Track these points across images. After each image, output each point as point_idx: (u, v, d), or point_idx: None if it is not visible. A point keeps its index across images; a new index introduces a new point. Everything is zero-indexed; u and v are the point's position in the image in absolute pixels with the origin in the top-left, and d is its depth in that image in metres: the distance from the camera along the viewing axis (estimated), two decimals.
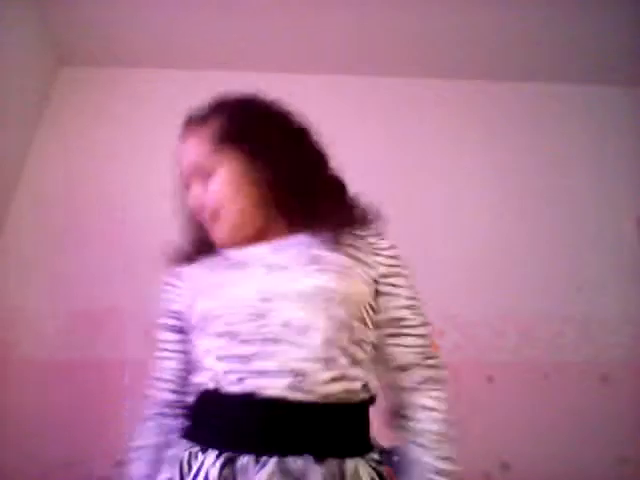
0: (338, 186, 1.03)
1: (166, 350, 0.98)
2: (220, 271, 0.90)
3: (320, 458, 0.74)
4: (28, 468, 1.81)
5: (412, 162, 2.47)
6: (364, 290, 0.87)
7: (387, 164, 2.45)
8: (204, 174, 0.92)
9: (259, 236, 0.91)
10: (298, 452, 0.74)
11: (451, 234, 2.33)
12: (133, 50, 2.47)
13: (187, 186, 0.96)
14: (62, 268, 2.13)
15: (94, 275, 2.12)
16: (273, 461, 0.73)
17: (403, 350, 0.91)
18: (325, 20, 2.33)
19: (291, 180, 0.91)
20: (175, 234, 2.14)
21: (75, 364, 1.98)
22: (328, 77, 2.58)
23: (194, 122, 1.00)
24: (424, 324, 0.95)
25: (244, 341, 0.80)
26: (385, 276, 0.93)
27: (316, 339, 0.78)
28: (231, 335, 0.81)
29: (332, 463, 0.75)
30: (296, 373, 0.76)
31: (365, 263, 0.90)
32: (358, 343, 0.84)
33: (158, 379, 0.97)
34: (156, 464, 0.89)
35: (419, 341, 0.93)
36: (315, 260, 0.84)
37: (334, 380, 0.78)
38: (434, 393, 0.91)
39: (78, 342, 2.02)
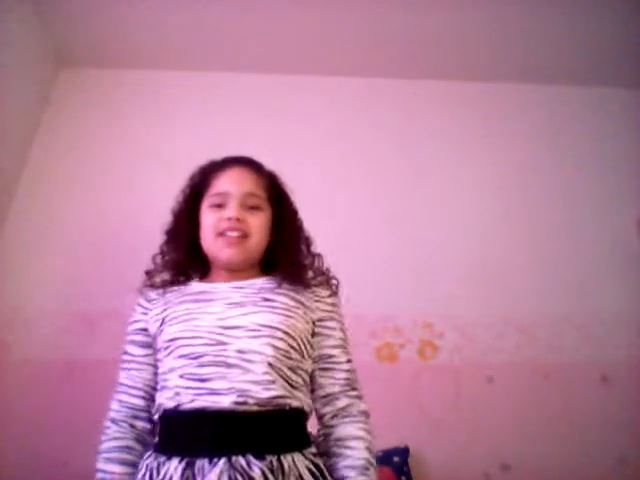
0: (307, 251, 1.22)
1: (135, 362, 1.11)
2: (188, 302, 1.07)
3: (260, 455, 0.91)
4: (27, 468, 1.81)
5: (412, 163, 2.48)
6: (303, 327, 1.06)
7: (387, 165, 2.46)
8: (249, 206, 1.12)
9: (242, 271, 1.12)
10: (243, 452, 0.90)
11: (451, 235, 2.33)
12: (133, 52, 2.47)
13: (222, 205, 1.12)
14: (61, 269, 2.13)
15: (93, 276, 2.12)
16: (223, 461, 0.89)
17: (331, 381, 1.08)
18: (326, 22, 2.34)
19: (283, 244, 1.16)
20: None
21: (74, 365, 1.98)
22: (328, 78, 2.59)
23: (254, 166, 1.24)
24: (350, 361, 1.12)
25: (203, 364, 0.97)
26: (322, 320, 1.11)
27: (260, 365, 0.97)
28: (193, 357, 0.98)
29: (271, 458, 0.91)
30: (242, 392, 0.94)
31: (307, 307, 1.09)
32: (295, 370, 1.02)
33: (129, 386, 1.09)
34: (127, 465, 1.02)
35: (345, 375, 1.09)
36: (266, 301, 1.05)
37: (273, 398, 0.96)
38: (359, 424, 1.06)
39: (77, 343, 2.01)
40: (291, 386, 1.00)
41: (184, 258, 1.18)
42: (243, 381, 0.95)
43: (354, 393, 1.10)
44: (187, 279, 1.18)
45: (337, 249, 2.24)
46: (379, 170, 2.44)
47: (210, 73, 2.57)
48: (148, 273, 1.22)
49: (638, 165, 2.52)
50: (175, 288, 1.14)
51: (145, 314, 1.14)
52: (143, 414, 1.07)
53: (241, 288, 1.08)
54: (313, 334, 1.09)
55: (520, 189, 2.45)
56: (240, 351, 0.98)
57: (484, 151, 2.52)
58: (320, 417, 1.08)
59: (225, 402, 0.93)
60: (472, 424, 1.99)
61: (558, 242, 2.34)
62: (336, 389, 1.07)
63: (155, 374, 1.07)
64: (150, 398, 1.07)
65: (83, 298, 2.09)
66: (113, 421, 1.07)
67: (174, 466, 0.91)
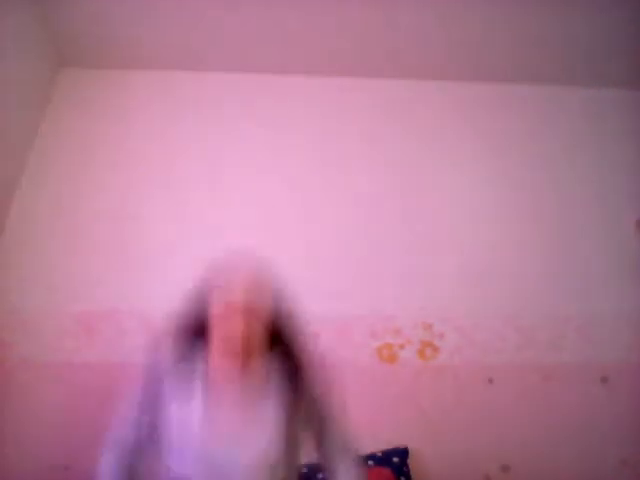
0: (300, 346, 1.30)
1: (141, 398, 1.21)
2: (189, 409, 1.17)
3: None
4: (26, 470, 1.81)
5: (412, 166, 2.47)
6: (299, 412, 1.21)
7: (388, 168, 2.46)
8: (252, 315, 1.20)
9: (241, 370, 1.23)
10: None
11: (452, 236, 2.33)
12: (133, 52, 2.47)
13: (228, 315, 1.19)
14: (61, 269, 2.13)
15: (93, 277, 2.12)
16: None
17: (327, 441, 1.25)
18: (326, 23, 2.34)
19: (279, 344, 1.27)
20: (174, 236, 2.13)
21: (74, 365, 1.98)
22: (328, 79, 2.59)
23: (256, 276, 1.26)
24: (340, 418, 1.28)
25: (212, 464, 1.11)
26: (312, 396, 1.25)
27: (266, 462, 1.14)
28: (202, 458, 1.12)
29: None
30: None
31: (299, 396, 1.23)
32: (294, 454, 1.20)
33: (130, 420, 1.20)
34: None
35: (339, 434, 1.27)
36: (264, 423, 1.18)
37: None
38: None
39: (77, 343, 2.01)
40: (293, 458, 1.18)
41: (191, 348, 1.26)
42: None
43: (347, 452, 1.26)
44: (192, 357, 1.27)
45: (337, 250, 2.26)
46: (379, 173, 2.44)
47: (210, 73, 2.57)
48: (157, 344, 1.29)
49: (638, 166, 2.52)
50: (182, 369, 1.22)
51: (163, 369, 1.22)
52: (138, 447, 1.20)
53: (240, 399, 1.20)
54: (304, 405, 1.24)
55: (520, 190, 2.45)
56: (249, 455, 1.13)
57: (484, 153, 2.51)
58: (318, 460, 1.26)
59: None
60: (472, 425, 1.99)
61: (558, 243, 2.34)
62: (330, 449, 1.25)
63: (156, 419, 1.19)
64: (147, 441, 1.19)
65: (82, 299, 2.08)
66: (115, 443, 1.19)
67: None
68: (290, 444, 1.18)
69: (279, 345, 1.26)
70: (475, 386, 2.07)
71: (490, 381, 2.09)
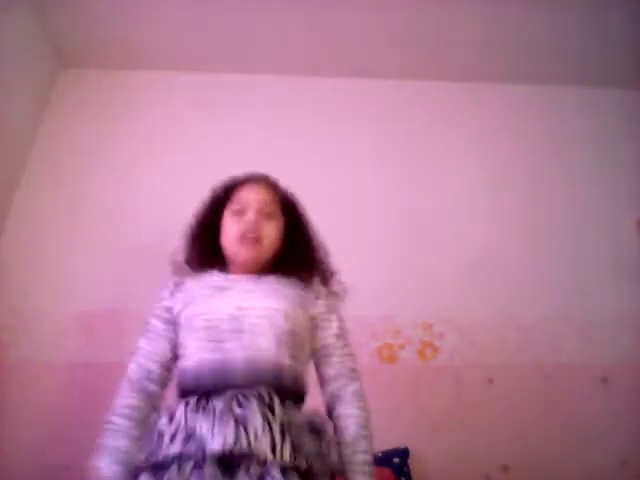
0: (316, 255, 1.39)
1: (156, 333, 1.26)
2: (210, 288, 1.25)
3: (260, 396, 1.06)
4: (25, 469, 1.81)
5: (412, 166, 2.48)
6: (303, 318, 1.23)
7: (388, 168, 2.46)
8: (265, 214, 1.30)
9: (256, 267, 1.29)
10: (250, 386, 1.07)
11: (451, 236, 2.33)
12: (133, 53, 2.48)
13: (242, 212, 1.29)
14: (61, 270, 2.13)
15: (94, 277, 2.12)
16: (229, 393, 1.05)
17: (328, 367, 1.25)
18: (326, 23, 2.34)
19: (293, 251, 1.34)
20: (173, 236, 2.14)
21: (74, 365, 1.98)
22: (328, 79, 2.59)
23: (270, 183, 1.39)
24: (347, 346, 1.29)
25: (221, 331, 1.15)
26: (322, 313, 1.28)
27: (269, 336, 1.15)
28: (211, 326, 1.16)
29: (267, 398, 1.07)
30: (251, 353, 1.12)
31: (308, 302, 1.27)
32: (295, 346, 1.18)
33: (148, 351, 1.24)
34: (140, 424, 1.15)
35: (343, 359, 1.26)
36: (275, 292, 1.23)
37: (276, 361, 1.13)
38: (355, 403, 1.23)
39: (77, 344, 2.01)
40: (292, 357, 1.16)
41: (207, 255, 1.34)
42: (253, 344, 1.13)
43: (352, 374, 1.26)
44: (209, 270, 1.33)
45: (338, 250, 2.26)
46: (379, 173, 2.44)
47: (210, 74, 2.57)
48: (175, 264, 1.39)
49: (638, 165, 2.52)
50: (200, 276, 1.30)
51: (172, 295, 1.29)
52: (156, 378, 1.22)
53: (254, 280, 1.26)
54: (313, 327, 1.26)
55: (520, 190, 2.45)
56: (252, 324, 1.15)
57: (484, 153, 2.52)
58: (324, 399, 1.24)
59: (237, 357, 1.11)
60: (472, 425, 1.99)
61: (558, 243, 2.35)
62: (332, 372, 1.24)
63: (172, 347, 1.24)
64: (164, 367, 1.23)
65: (83, 299, 2.09)
66: (129, 381, 1.22)
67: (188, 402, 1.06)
68: (291, 332, 1.18)
69: (290, 255, 1.32)
70: (475, 386, 2.07)
71: (490, 381, 2.09)
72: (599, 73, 2.60)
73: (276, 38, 2.41)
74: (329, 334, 1.27)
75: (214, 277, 1.29)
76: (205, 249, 1.34)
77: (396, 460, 1.83)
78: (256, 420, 0.99)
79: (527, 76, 2.62)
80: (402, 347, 2.12)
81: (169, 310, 1.27)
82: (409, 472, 1.83)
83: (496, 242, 2.32)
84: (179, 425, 1.02)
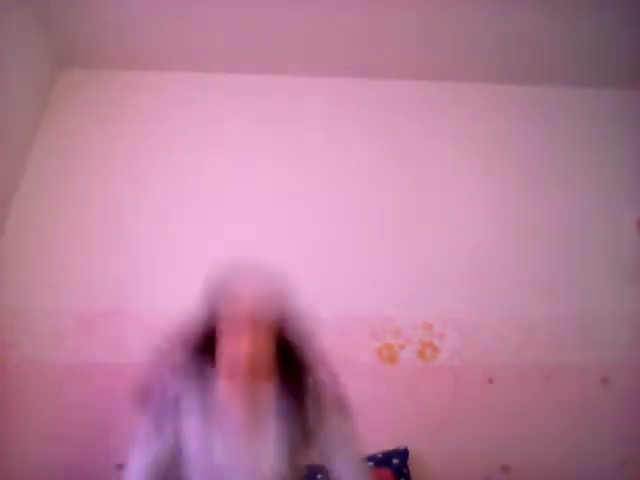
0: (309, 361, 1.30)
1: (146, 449, 1.20)
2: (208, 428, 1.19)
3: None
4: (27, 469, 1.80)
5: (412, 166, 2.48)
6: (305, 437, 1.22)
7: (387, 168, 2.46)
8: (261, 330, 1.20)
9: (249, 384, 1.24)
10: None
11: (452, 237, 2.33)
12: (132, 53, 2.47)
13: (237, 332, 1.19)
14: (62, 270, 2.13)
15: (94, 277, 2.12)
16: None
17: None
18: (325, 23, 2.34)
19: (287, 361, 1.26)
20: (173, 237, 2.13)
21: (74, 365, 1.98)
22: (328, 79, 2.59)
23: (264, 287, 1.26)
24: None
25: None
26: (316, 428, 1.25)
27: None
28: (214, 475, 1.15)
29: None
30: None
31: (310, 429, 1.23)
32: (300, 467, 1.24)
33: (147, 448, 1.20)
34: None
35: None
36: (276, 438, 1.20)
37: None
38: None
39: (78, 344, 2.01)
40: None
41: (199, 363, 1.26)
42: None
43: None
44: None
45: (337, 251, 2.26)
46: (379, 173, 2.44)
47: (210, 74, 2.57)
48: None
49: (638, 165, 2.52)
50: (190, 386, 1.24)
51: (173, 406, 1.22)
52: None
53: (252, 409, 1.22)
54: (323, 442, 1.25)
55: (520, 191, 2.45)
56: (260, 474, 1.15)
57: (483, 153, 2.51)
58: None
59: None
60: (472, 426, 1.99)
61: (558, 244, 2.34)
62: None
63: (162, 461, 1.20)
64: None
65: (83, 299, 2.08)
66: None
67: None
68: (295, 458, 1.20)
69: (287, 362, 1.26)
70: (475, 387, 2.07)
71: (490, 381, 2.08)
72: (599, 74, 2.60)
73: (277, 38, 2.41)
74: (333, 434, 1.26)
75: (207, 401, 1.23)
76: (198, 355, 1.27)
77: (396, 461, 1.83)
78: None
79: (527, 77, 2.62)
80: (402, 347, 2.12)
81: (164, 428, 1.22)
82: (409, 473, 1.83)
83: (496, 242, 2.32)
84: None
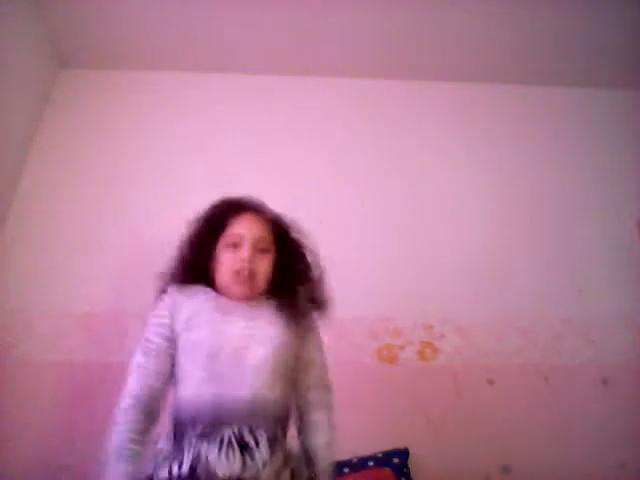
0: (309, 278, 1.43)
1: (157, 350, 1.25)
2: (210, 314, 1.25)
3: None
4: (26, 469, 1.80)
5: (412, 166, 2.48)
6: (294, 342, 1.29)
7: (387, 168, 2.46)
8: (260, 249, 1.32)
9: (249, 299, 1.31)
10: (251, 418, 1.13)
11: (452, 237, 2.33)
12: (132, 53, 2.48)
13: (237, 245, 1.31)
14: (61, 270, 2.13)
15: (93, 277, 2.12)
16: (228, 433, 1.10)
17: (310, 377, 1.32)
18: (325, 23, 2.34)
19: (287, 280, 1.37)
20: (173, 237, 2.13)
21: (75, 366, 1.98)
22: (328, 79, 2.59)
23: (263, 212, 1.42)
24: (324, 360, 1.38)
25: (222, 363, 1.17)
26: (306, 335, 1.34)
27: (268, 372, 1.20)
28: (215, 356, 1.18)
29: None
30: (254, 392, 1.16)
31: (298, 336, 1.31)
32: (290, 379, 1.27)
33: (151, 372, 1.22)
34: (146, 445, 1.15)
35: (320, 371, 1.35)
36: (273, 324, 1.27)
37: (275, 399, 1.19)
38: (324, 413, 1.29)
39: (78, 344, 2.01)
40: (286, 390, 1.23)
41: (197, 278, 1.34)
42: (254, 382, 1.16)
43: (327, 386, 1.35)
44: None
45: (338, 251, 2.26)
46: (380, 174, 2.44)
47: (210, 74, 2.57)
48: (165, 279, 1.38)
49: (638, 165, 2.52)
50: (193, 294, 1.30)
51: (171, 313, 1.27)
52: (160, 397, 1.22)
53: (254, 309, 1.29)
54: (300, 345, 1.32)
55: (520, 191, 2.45)
56: (253, 361, 1.19)
57: (483, 153, 2.52)
58: (298, 406, 1.31)
59: (239, 394, 1.14)
60: (472, 426, 1.99)
61: (558, 244, 2.34)
62: (311, 382, 1.32)
63: (172, 365, 1.24)
64: (166, 385, 1.23)
65: (83, 300, 2.08)
66: (136, 402, 1.19)
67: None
68: (286, 365, 1.24)
69: (284, 278, 1.35)
70: (475, 387, 2.07)
71: (490, 382, 2.08)
72: (599, 74, 2.60)
73: (272, 38, 2.41)
74: (311, 350, 1.35)
75: (209, 300, 1.30)
76: (196, 273, 1.34)
77: (396, 461, 1.83)
78: (263, 450, 1.08)
79: (527, 76, 2.62)
80: (402, 348, 2.11)
81: (169, 328, 1.27)
82: (409, 473, 1.83)
83: (496, 243, 2.32)
84: (186, 451, 1.07)
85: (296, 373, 1.30)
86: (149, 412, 1.19)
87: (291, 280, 1.37)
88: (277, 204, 2.31)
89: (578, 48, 2.47)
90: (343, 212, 2.34)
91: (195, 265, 1.34)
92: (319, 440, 1.25)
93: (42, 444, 1.85)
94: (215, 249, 1.33)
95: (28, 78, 2.31)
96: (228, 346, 1.19)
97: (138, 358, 1.26)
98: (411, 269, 2.24)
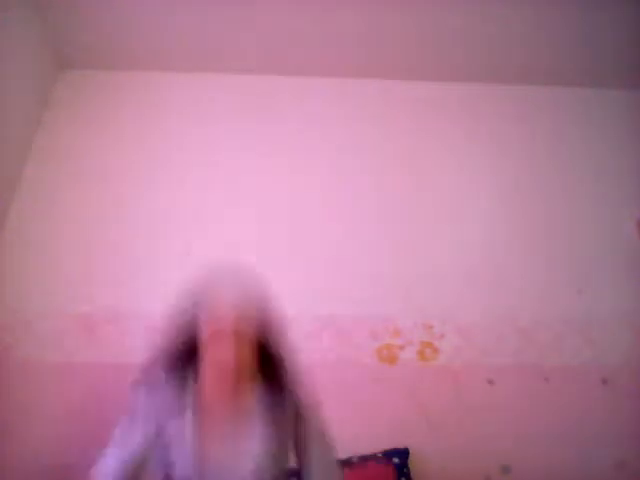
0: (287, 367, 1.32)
1: (142, 415, 1.21)
2: (193, 408, 1.21)
3: None
4: (26, 469, 1.80)
5: (412, 166, 2.48)
6: (286, 434, 1.26)
7: (387, 168, 2.46)
8: (241, 337, 1.21)
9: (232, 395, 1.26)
10: None
11: (452, 238, 2.33)
12: (132, 54, 2.48)
13: (219, 337, 1.20)
14: (61, 270, 2.13)
15: (93, 277, 2.12)
16: None
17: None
18: (326, 23, 2.34)
19: (267, 366, 1.29)
20: (173, 237, 2.13)
21: (74, 365, 1.98)
22: (328, 79, 2.59)
23: (243, 294, 1.25)
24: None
25: (211, 474, 1.15)
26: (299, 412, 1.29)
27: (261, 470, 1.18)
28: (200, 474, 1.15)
29: None
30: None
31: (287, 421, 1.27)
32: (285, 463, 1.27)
33: (133, 430, 1.19)
34: None
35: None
36: (258, 428, 1.22)
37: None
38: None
39: (77, 344, 2.01)
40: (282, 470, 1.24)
41: (183, 370, 1.28)
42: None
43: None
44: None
45: (338, 251, 2.26)
46: (380, 173, 2.44)
47: (210, 74, 2.57)
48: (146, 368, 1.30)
49: (638, 165, 2.52)
50: (176, 388, 1.25)
51: (152, 405, 1.23)
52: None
53: (236, 414, 1.24)
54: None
55: (520, 191, 2.45)
56: (244, 469, 1.17)
57: (483, 153, 2.52)
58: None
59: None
60: (472, 426, 1.99)
61: (558, 244, 2.34)
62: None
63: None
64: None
65: (82, 300, 2.08)
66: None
67: None
68: (279, 457, 1.23)
69: (268, 365, 1.29)
70: (475, 387, 2.07)
71: (490, 382, 2.08)
72: (600, 74, 2.60)
73: (271, 38, 2.41)
74: (305, 431, 1.29)
75: (193, 404, 1.24)
76: (181, 361, 1.28)
77: (396, 460, 1.83)
78: None
79: (527, 76, 2.62)
80: (402, 348, 2.11)
81: (149, 415, 1.23)
82: (409, 472, 1.83)
83: (496, 243, 2.32)
84: None
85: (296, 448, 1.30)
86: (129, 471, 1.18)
87: (276, 367, 1.30)
88: (277, 205, 2.33)
89: (579, 48, 2.46)
90: (343, 212, 2.34)
91: (180, 354, 1.28)
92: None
93: (42, 443, 1.85)
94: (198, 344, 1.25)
95: (28, 79, 2.31)
96: (212, 465, 1.17)
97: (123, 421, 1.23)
98: (412, 269, 2.24)
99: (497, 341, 2.15)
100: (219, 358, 1.20)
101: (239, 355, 1.20)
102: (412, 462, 1.86)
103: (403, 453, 1.86)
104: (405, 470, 1.82)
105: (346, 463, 1.75)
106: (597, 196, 2.46)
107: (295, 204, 2.34)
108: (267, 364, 1.28)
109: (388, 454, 1.84)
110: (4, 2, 2.07)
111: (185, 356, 1.26)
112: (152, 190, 2.32)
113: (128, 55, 2.48)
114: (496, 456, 1.96)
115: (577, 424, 2.02)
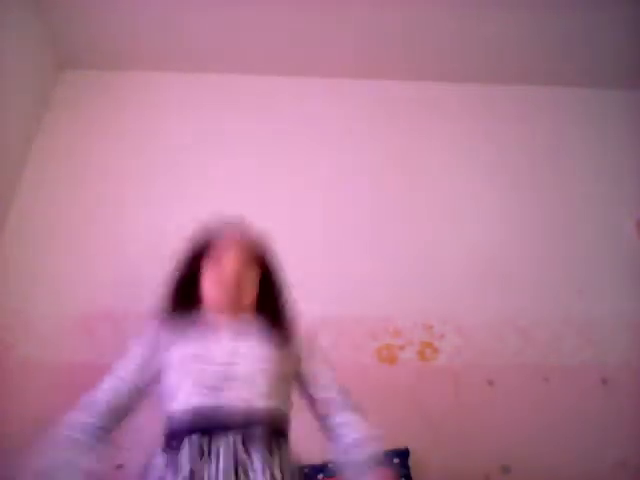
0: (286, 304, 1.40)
1: (121, 376, 1.24)
2: (199, 329, 1.26)
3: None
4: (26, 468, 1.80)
5: (411, 165, 2.48)
6: (287, 359, 1.27)
7: (386, 167, 2.46)
8: (245, 264, 1.31)
9: (237, 313, 1.30)
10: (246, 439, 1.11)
11: (452, 237, 2.33)
12: (132, 54, 2.48)
13: (222, 263, 1.29)
14: (61, 271, 2.14)
15: (93, 278, 2.13)
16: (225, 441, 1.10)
17: (318, 387, 1.31)
18: (326, 23, 2.35)
19: (267, 298, 1.36)
20: (173, 237, 2.13)
21: (74, 366, 1.98)
22: (328, 79, 2.60)
23: (246, 239, 1.38)
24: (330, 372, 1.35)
25: (214, 377, 1.16)
26: (303, 354, 1.33)
27: (263, 382, 1.19)
28: (205, 373, 1.17)
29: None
30: (247, 401, 1.15)
31: (292, 351, 1.30)
32: (287, 391, 1.26)
33: (104, 390, 1.22)
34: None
35: (329, 378, 1.33)
36: (263, 338, 1.26)
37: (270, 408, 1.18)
38: (349, 413, 1.27)
39: (77, 344, 2.02)
40: (282, 401, 1.22)
41: (187, 304, 1.33)
42: (249, 393, 1.16)
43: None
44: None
45: (337, 251, 2.26)
46: (379, 173, 2.45)
47: (210, 74, 2.57)
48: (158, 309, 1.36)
49: (638, 166, 2.52)
50: (183, 319, 1.29)
51: (151, 342, 1.28)
52: (126, 405, 1.22)
53: (239, 324, 1.29)
54: (304, 381, 1.31)
55: (520, 191, 2.45)
56: (246, 372, 1.18)
57: (482, 153, 2.52)
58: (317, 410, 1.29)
59: (234, 406, 1.13)
60: (472, 426, 1.99)
61: (558, 244, 2.35)
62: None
63: (129, 396, 1.22)
64: (112, 409, 1.20)
65: (82, 300, 2.09)
66: (73, 424, 1.20)
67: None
68: (281, 386, 1.23)
69: (267, 300, 1.34)
70: (475, 387, 2.07)
71: (490, 382, 2.08)
72: (600, 74, 2.60)
73: (271, 38, 2.42)
74: (327, 392, 1.30)
75: (195, 318, 1.30)
76: (185, 300, 1.33)
77: (396, 461, 1.83)
78: (257, 465, 1.07)
79: (528, 76, 2.63)
80: (402, 348, 2.12)
81: (146, 358, 1.26)
82: (409, 473, 1.83)
83: (496, 243, 2.32)
84: (180, 467, 1.06)
85: (306, 389, 1.30)
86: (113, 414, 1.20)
87: (276, 299, 1.37)
88: (276, 204, 2.33)
89: (579, 48, 2.47)
90: (343, 212, 2.34)
91: (184, 289, 1.34)
92: (349, 438, 1.22)
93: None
94: (202, 271, 1.33)
95: (28, 79, 2.31)
96: (215, 362, 1.19)
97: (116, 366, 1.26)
98: (411, 269, 2.24)
99: (497, 341, 2.15)
100: (224, 265, 1.28)
101: (242, 267, 1.28)
102: (412, 462, 1.86)
103: (403, 453, 1.86)
104: (405, 471, 1.82)
105: None
106: (597, 196, 2.46)
107: (294, 203, 2.34)
108: (266, 300, 1.34)
109: (388, 454, 1.84)
110: (4, 2, 2.08)
111: (191, 286, 1.32)
112: (153, 190, 2.32)
113: (128, 55, 2.49)
114: (496, 456, 1.96)
115: (577, 424, 2.02)
